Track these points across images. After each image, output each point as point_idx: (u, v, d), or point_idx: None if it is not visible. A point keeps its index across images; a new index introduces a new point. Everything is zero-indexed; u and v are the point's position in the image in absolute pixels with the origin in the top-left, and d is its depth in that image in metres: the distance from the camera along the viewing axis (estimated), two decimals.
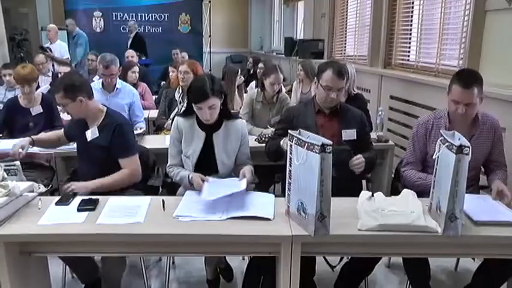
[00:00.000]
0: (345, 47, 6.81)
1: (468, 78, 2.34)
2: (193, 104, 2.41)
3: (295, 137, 1.86)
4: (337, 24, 7.02)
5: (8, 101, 3.77)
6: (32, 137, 2.74)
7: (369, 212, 1.94)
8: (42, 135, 2.80)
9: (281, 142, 2.46)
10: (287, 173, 1.94)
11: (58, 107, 3.43)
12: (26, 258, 2.03)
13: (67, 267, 2.65)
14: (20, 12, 9.80)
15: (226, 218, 1.98)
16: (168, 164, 2.62)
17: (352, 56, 6.39)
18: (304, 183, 1.82)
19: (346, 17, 6.67)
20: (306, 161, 1.79)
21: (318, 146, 1.72)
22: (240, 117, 2.68)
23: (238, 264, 2.92)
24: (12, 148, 2.65)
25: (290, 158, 1.91)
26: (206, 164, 2.50)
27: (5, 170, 2.23)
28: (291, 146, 1.90)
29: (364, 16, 5.97)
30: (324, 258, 2.49)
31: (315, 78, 2.68)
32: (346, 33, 6.75)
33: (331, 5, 7.04)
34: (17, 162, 2.43)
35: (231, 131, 2.52)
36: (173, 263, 2.98)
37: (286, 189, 1.96)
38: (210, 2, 9.66)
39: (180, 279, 2.89)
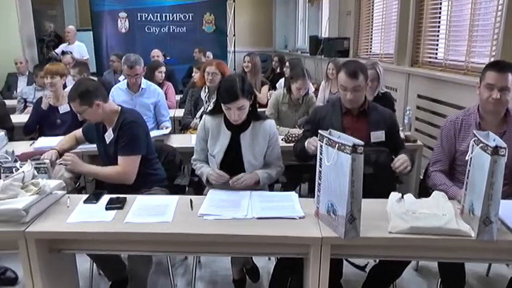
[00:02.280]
0: (371, 45, 6.73)
1: (503, 63, 2.30)
2: (222, 104, 2.39)
3: (326, 137, 1.83)
4: (362, 22, 6.94)
5: (39, 99, 3.91)
6: (57, 148, 2.74)
7: (399, 214, 1.89)
8: (64, 144, 2.81)
9: (305, 143, 2.43)
10: (317, 174, 1.91)
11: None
12: (55, 255, 2.05)
13: (94, 264, 2.68)
14: (49, 14, 10.01)
15: (252, 217, 1.97)
16: (193, 158, 2.64)
17: (378, 54, 6.31)
18: (335, 184, 1.79)
19: (372, 15, 6.58)
20: (336, 161, 1.76)
21: (349, 146, 1.69)
22: (269, 118, 2.65)
23: (265, 264, 2.91)
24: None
25: (320, 159, 1.87)
26: (232, 164, 2.47)
27: (35, 168, 2.25)
28: (321, 146, 1.87)
29: (391, 13, 5.88)
30: (350, 261, 2.44)
31: None
32: (372, 31, 6.66)
33: (357, 3, 6.96)
34: (47, 161, 2.48)
35: (258, 132, 2.49)
36: (199, 261, 2.98)
37: (316, 190, 1.93)
38: (234, 1, 9.66)
39: (205, 278, 2.89)
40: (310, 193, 2.65)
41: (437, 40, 4.83)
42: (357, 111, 2.60)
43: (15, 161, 2.47)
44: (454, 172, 2.50)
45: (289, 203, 2.11)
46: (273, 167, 2.55)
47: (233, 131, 2.48)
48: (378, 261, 2.45)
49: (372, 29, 6.65)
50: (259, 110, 2.65)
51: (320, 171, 1.89)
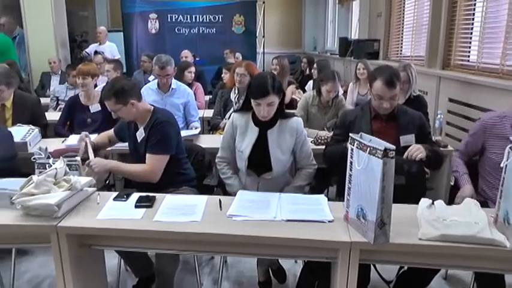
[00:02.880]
0: (401, 47, 6.63)
1: None
2: (252, 100, 2.43)
3: (357, 140, 1.81)
4: (393, 23, 6.84)
5: (70, 98, 4.04)
6: (92, 142, 2.76)
7: (430, 220, 1.85)
8: (97, 139, 2.86)
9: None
10: (347, 177, 1.89)
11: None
12: (85, 250, 2.10)
13: (122, 260, 2.72)
14: (81, 15, 10.24)
15: (281, 219, 1.96)
16: (218, 155, 2.67)
17: (408, 57, 6.21)
18: (365, 189, 1.77)
19: (403, 16, 6.49)
20: (367, 165, 1.74)
21: (380, 150, 1.66)
22: (296, 116, 2.66)
23: (291, 266, 2.90)
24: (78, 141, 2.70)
25: (351, 162, 1.86)
26: (259, 160, 2.52)
27: (67, 165, 2.30)
28: (352, 149, 1.85)
29: (422, 14, 5.79)
30: (376, 269, 2.41)
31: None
32: (402, 33, 6.56)
33: (388, 4, 6.87)
34: (78, 158, 2.52)
35: (285, 129, 2.53)
36: (225, 261, 2.99)
37: (346, 193, 1.91)
38: (264, 2, 9.66)
39: (231, 278, 2.90)
40: (339, 197, 2.63)
41: (470, 42, 4.72)
42: (386, 115, 2.57)
43: (48, 157, 2.52)
44: (485, 173, 2.49)
45: (318, 206, 2.10)
46: (303, 169, 2.60)
47: (261, 127, 2.53)
48: (406, 267, 2.41)
49: (402, 30, 6.56)
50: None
51: (350, 175, 1.87)
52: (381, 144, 1.70)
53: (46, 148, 2.60)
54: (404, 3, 6.44)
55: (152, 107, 2.68)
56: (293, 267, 2.90)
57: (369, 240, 1.76)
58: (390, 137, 2.45)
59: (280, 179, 2.59)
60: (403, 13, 6.48)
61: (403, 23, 6.52)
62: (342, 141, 2.55)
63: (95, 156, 2.67)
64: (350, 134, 1.88)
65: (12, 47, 6.34)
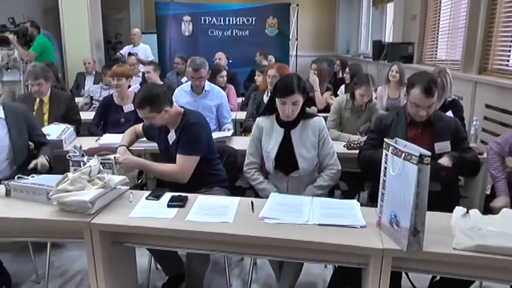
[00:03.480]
0: (436, 50, 6.50)
1: None
2: (277, 99, 2.51)
3: (392, 145, 1.79)
4: (428, 26, 6.71)
5: (104, 98, 4.17)
6: (126, 144, 2.80)
7: (465, 230, 1.80)
8: (127, 140, 2.88)
9: None
10: (381, 183, 1.86)
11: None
12: (117, 247, 2.14)
13: (152, 259, 2.76)
14: (115, 18, 10.47)
15: (313, 223, 1.95)
16: (246, 163, 2.70)
17: (443, 61, 6.08)
18: (399, 195, 1.74)
19: (439, 19, 6.36)
20: (402, 171, 1.71)
21: (415, 156, 1.63)
22: (317, 115, 2.72)
23: (321, 271, 2.88)
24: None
25: (385, 168, 1.83)
26: (286, 160, 2.58)
27: (101, 164, 2.35)
28: (386, 155, 1.82)
29: (459, 17, 5.65)
30: (408, 278, 2.36)
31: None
32: (437, 36, 6.43)
33: (423, 6, 6.74)
34: (112, 157, 2.57)
35: (308, 128, 2.60)
36: (255, 263, 2.99)
37: (379, 199, 1.89)
38: (297, 5, 9.62)
39: (261, 280, 2.90)
40: (371, 202, 2.61)
41: (510, 46, 4.57)
42: (421, 122, 2.53)
43: (83, 155, 2.58)
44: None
45: (350, 211, 2.08)
46: (325, 167, 2.62)
47: (285, 128, 2.59)
48: (439, 277, 2.35)
49: (437, 33, 6.42)
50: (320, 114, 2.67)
51: (384, 181, 1.85)
52: (416, 150, 1.67)
53: (81, 146, 2.66)
54: (440, 5, 6.31)
55: (183, 110, 2.71)
56: (323, 272, 2.88)
57: (401, 248, 1.73)
58: (425, 143, 2.41)
59: (308, 177, 2.63)
60: (439, 15, 6.34)
61: (438, 26, 6.39)
62: (376, 145, 2.53)
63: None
64: (385, 139, 1.85)
65: (51, 49, 6.51)
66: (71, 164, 2.57)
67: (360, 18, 10.63)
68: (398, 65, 4.84)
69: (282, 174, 2.63)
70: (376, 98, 4.66)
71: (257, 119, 2.74)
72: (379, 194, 1.89)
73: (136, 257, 2.55)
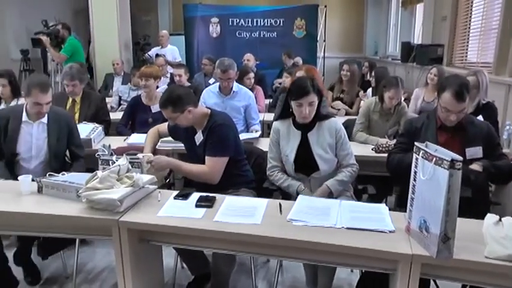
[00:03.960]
0: (467, 53, 6.34)
1: None
2: (293, 102, 2.54)
3: (422, 149, 1.76)
4: (459, 27, 6.56)
5: (132, 99, 4.22)
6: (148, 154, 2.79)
7: (497, 238, 1.75)
8: (152, 144, 2.92)
9: None
10: (410, 187, 1.84)
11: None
12: (144, 245, 2.17)
13: (179, 257, 2.78)
14: (144, 20, 10.62)
15: (341, 227, 1.94)
16: (268, 167, 2.71)
17: (474, 63, 5.93)
18: (429, 200, 1.71)
19: (470, 20, 6.19)
20: (432, 176, 1.68)
21: (447, 161, 1.60)
22: (334, 116, 2.74)
23: (346, 276, 2.86)
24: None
25: (415, 172, 1.80)
26: (305, 162, 2.61)
27: (129, 163, 2.38)
28: (416, 159, 1.79)
29: (492, 18, 5.50)
30: (436, 285, 2.31)
31: None
32: (468, 38, 6.27)
33: (454, 7, 6.56)
34: (140, 156, 2.61)
35: (324, 129, 2.62)
36: (281, 265, 2.97)
37: (408, 204, 1.86)
38: (325, 6, 9.56)
39: (286, 283, 2.89)
40: (399, 207, 2.56)
41: None
42: (452, 126, 2.47)
43: (111, 154, 2.62)
44: None
45: (379, 215, 2.06)
46: (345, 167, 2.62)
47: (302, 130, 2.62)
48: (469, 286, 2.30)
49: (468, 35, 6.26)
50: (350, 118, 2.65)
51: (414, 185, 1.82)
52: (447, 154, 1.64)
53: (109, 145, 2.70)
54: (471, 6, 6.15)
55: (209, 111, 2.73)
56: (349, 277, 2.86)
57: (431, 254, 1.70)
58: (455, 148, 2.34)
59: (329, 178, 2.62)
60: (470, 16, 6.19)
61: (469, 27, 6.23)
62: (405, 149, 2.49)
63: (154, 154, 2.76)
64: (415, 143, 1.82)
65: (81, 50, 6.66)
66: (99, 163, 2.61)
67: (388, 19, 10.48)
68: (438, 68, 4.74)
69: (303, 175, 2.65)
70: (405, 100, 4.61)
71: (273, 123, 2.77)
72: (409, 198, 1.86)
73: (162, 256, 2.58)
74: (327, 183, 2.57)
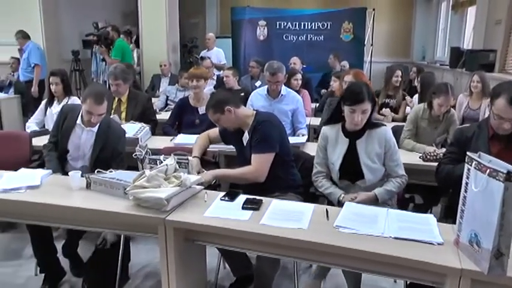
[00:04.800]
0: None
1: None
2: (346, 107, 2.49)
3: (475, 160, 1.70)
4: None
5: (180, 100, 4.29)
6: (197, 156, 2.85)
7: None
8: (200, 149, 2.93)
9: None
10: (461, 199, 1.78)
11: None
12: (189, 244, 2.20)
13: (222, 258, 2.81)
14: (191, 22, 10.80)
15: (388, 236, 1.91)
16: (313, 172, 2.70)
17: None
18: (481, 213, 1.65)
19: None
20: (485, 188, 1.62)
21: (502, 173, 1.54)
22: (384, 125, 2.65)
23: (390, 286, 2.81)
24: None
25: (466, 183, 1.75)
26: (351, 170, 2.57)
27: (177, 163, 2.42)
28: (468, 169, 1.74)
29: None
30: None
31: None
32: None
33: (510, 10, 6.29)
34: (190, 157, 2.67)
35: (374, 138, 2.56)
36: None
37: (458, 216, 1.80)
38: (374, 9, 9.42)
39: None
40: (445, 218, 2.49)
41: None
42: (506, 136, 2.38)
43: (147, 153, 2.67)
44: None
45: (427, 226, 2.01)
46: (393, 178, 2.57)
47: (350, 138, 2.58)
48: None
49: None
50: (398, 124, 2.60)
51: (465, 197, 1.76)
52: (503, 166, 1.58)
53: (146, 145, 2.74)
54: None
55: (254, 112, 2.77)
56: (392, 287, 2.80)
57: (482, 270, 1.64)
58: (509, 159, 2.27)
59: (374, 186, 2.57)
60: None
61: None
62: (455, 159, 2.41)
63: (202, 157, 2.84)
64: (468, 153, 1.77)
65: (129, 51, 6.87)
66: (147, 162, 2.67)
67: (437, 23, 10.22)
68: (479, 74, 4.59)
69: (348, 183, 2.62)
70: (452, 107, 4.48)
71: (322, 128, 2.74)
72: (459, 210, 1.80)
73: (206, 256, 2.61)
74: (375, 192, 2.52)
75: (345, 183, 2.62)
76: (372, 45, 9.57)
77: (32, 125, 4.10)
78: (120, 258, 2.79)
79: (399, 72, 4.86)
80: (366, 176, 2.54)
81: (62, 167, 3.00)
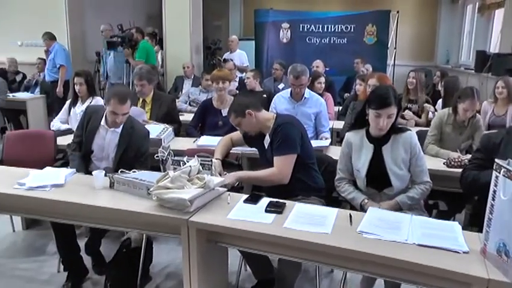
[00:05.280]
0: None
1: None
2: (371, 111, 2.44)
3: (504, 167, 1.67)
4: None
5: (203, 102, 4.31)
6: (219, 158, 2.85)
7: None
8: (223, 151, 2.94)
9: None
10: (488, 207, 1.75)
11: None
12: (211, 246, 2.22)
13: (243, 260, 2.81)
14: (215, 25, 10.86)
15: (412, 243, 1.89)
16: (336, 178, 2.67)
17: None
18: (510, 222, 1.62)
19: None
20: None
21: None
22: (410, 130, 2.60)
23: None
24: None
25: (494, 191, 1.72)
26: (377, 177, 2.51)
27: (200, 164, 2.44)
28: (496, 177, 1.71)
29: None
30: None
31: None
32: None
33: None
34: (214, 160, 2.68)
35: (399, 143, 2.50)
36: (345, 278, 2.89)
37: (485, 225, 1.77)
38: (398, 12, 9.30)
39: None
40: (470, 226, 2.44)
41: None
42: None
43: (169, 154, 2.68)
44: None
45: (451, 234, 1.98)
46: (418, 184, 2.51)
47: (375, 144, 2.52)
48: None
49: None
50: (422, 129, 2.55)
51: (492, 205, 1.73)
52: None
53: (169, 146, 2.77)
54: None
55: (275, 115, 2.78)
56: None
57: (510, 281, 1.61)
58: None
59: (401, 194, 2.53)
60: None
61: None
62: (482, 166, 2.36)
63: (224, 159, 2.85)
64: (496, 160, 1.74)
65: (153, 53, 6.94)
66: (171, 163, 2.69)
67: (462, 26, 10.04)
68: (504, 80, 4.48)
69: (374, 191, 2.57)
70: (478, 112, 4.40)
71: (346, 134, 2.70)
72: (486, 219, 1.77)
73: (228, 258, 2.62)
74: (397, 199, 2.48)
75: (371, 191, 2.57)
76: (395, 48, 9.44)
77: (56, 123, 4.21)
78: (142, 258, 2.82)
79: (412, 74, 4.77)
80: (393, 183, 2.49)
81: (86, 167, 3.05)
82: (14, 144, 3.55)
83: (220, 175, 2.62)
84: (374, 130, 2.51)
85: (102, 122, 3.05)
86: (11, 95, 6.44)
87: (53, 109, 6.26)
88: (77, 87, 4.11)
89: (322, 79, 5.05)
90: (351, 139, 2.62)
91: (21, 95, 6.66)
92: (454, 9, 10.53)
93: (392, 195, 2.52)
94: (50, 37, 6.78)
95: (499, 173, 1.70)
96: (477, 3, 8.92)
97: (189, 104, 5.45)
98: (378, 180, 2.52)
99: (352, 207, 2.59)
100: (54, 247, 3.11)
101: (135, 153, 3.03)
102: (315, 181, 2.76)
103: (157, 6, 7.88)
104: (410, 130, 2.59)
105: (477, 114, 3.53)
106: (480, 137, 2.95)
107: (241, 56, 7.53)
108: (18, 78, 7.29)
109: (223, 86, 4.01)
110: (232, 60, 7.02)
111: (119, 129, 3.03)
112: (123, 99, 2.89)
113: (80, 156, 3.07)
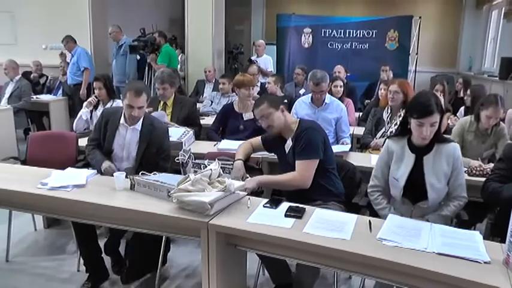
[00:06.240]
0: None
1: None
2: (413, 120, 2.35)
3: None
4: None
5: (225, 105, 4.36)
6: (241, 158, 2.87)
7: None
8: (244, 154, 2.94)
9: None
10: (511, 218, 1.73)
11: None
12: (230, 249, 2.23)
13: (262, 264, 2.82)
14: (236, 29, 10.92)
15: (432, 251, 1.88)
16: (370, 184, 2.62)
17: None
18: None
19: None
20: None
21: None
22: (454, 141, 2.52)
23: None
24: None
25: None
26: (415, 189, 2.43)
27: (221, 168, 2.45)
28: None
29: None
30: None
31: None
32: None
33: None
34: (235, 163, 2.70)
35: (442, 155, 2.41)
36: (363, 284, 2.89)
37: (508, 235, 1.76)
38: (420, 17, 9.21)
39: None
40: (492, 236, 2.41)
41: None
42: None
43: (190, 157, 2.71)
44: None
45: (472, 243, 1.96)
46: (453, 197, 2.45)
47: (417, 153, 2.44)
48: None
49: None
50: None
51: None
52: None
53: (189, 149, 2.80)
54: None
55: (298, 119, 2.80)
56: None
57: None
58: None
59: (434, 208, 2.48)
60: None
61: None
62: (504, 176, 2.33)
63: (245, 162, 2.85)
64: None
65: (175, 57, 7.01)
66: (192, 166, 2.72)
67: (486, 32, 9.88)
68: None
69: (408, 202, 2.51)
70: (503, 120, 4.31)
71: (387, 141, 2.62)
72: (509, 229, 1.76)
73: (247, 261, 2.64)
74: (428, 218, 2.40)
75: (405, 203, 2.52)
76: (416, 54, 9.35)
77: (84, 113, 4.20)
78: (161, 252, 2.86)
79: (440, 87, 4.74)
80: (429, 195, 2.41)
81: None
82: (38, 145, 3.63)
83: (242, 178, 2.64)
84: (417, 139, 2.41)
85: (122, 121, 3.09)
86: (34, 97, 6.57)
87: (74, 111, 6.35)
88: (96, 92, 4.18)
89: (340, 82, 5.04)
90: (392, 147, 2.53)
91: (44, 97, 6.79)
92: (478, 14, 10.37)
93: (425, 208, 2.47)
94: (71, 40, 6.91)
95: None
96: (503, 9, 8.78)
97: (211, 106, 5.44)
98: (414, 191, 2.45)
99: (371, 214, 2.58)
100: (74, 246, 3.17)
101: (156, 149, 3.05)
102: (334, 186, 2.76)
103: (180, 10, 7.96)
104: (454, 141, 2.50)
105: (501, 122, 3.46)
106: (504, 145, 2.89)
107: (266, 61, 7.55)
108: (42, 80, 7.44)
109: (251, 93, 4.04)
110: (257, 62, 7.02)
111: (139, 127, 3.07)
112: (138, 92, 2.93)
113: (99, 154, 3.09)
